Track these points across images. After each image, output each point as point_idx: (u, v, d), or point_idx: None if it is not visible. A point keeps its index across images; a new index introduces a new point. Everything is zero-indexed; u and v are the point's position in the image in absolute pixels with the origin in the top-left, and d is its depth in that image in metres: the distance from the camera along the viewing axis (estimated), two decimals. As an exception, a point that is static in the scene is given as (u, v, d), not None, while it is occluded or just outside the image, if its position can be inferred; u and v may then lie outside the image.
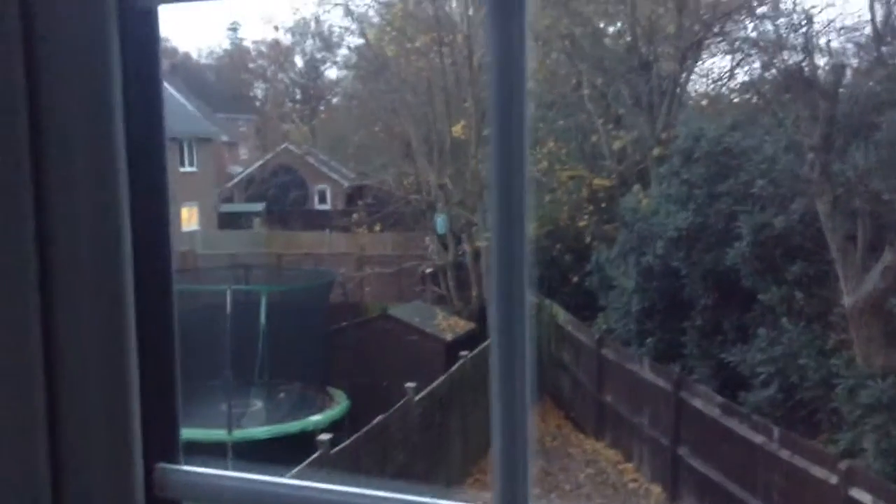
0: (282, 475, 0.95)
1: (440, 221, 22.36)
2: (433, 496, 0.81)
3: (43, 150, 0.88)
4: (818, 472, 9.19)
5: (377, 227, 26.45)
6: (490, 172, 0.74)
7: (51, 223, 0.88)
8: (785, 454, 9.74)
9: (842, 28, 12.69)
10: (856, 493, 8.59)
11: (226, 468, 0.92)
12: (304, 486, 0.83)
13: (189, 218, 31.21)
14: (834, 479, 8.90)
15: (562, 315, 17.04)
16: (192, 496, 0.90)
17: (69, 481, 0.87)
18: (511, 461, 0.76)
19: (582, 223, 19.30)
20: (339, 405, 15.04)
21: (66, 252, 0.88)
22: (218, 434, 12.61)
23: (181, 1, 0.88)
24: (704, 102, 20.57)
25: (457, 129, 20.36)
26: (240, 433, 13.18)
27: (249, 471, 0.87)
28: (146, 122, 0.92)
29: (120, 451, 0.88)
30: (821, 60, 12.16)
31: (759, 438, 10.24)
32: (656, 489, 12.83)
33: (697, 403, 11.74)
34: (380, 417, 10.99)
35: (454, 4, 22.17)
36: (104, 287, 0.89)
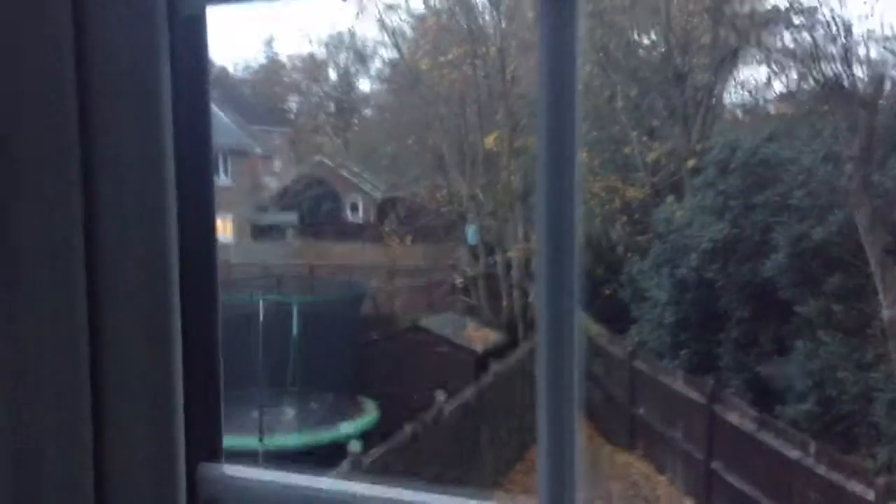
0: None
1: (471, 232, 22.36)
2: (468, 498, 0.81)
3: (93, 158, 0.90)
4: (855, 487, 9.01)
5: (408, 239, 26.51)
6: (538, 181, 0.74)
7: (100, 228, 0.90)
8: (821, 469, 9.56)
9: (881, 38, 12.49)
10: (896, 510, 8.40)
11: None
12: (342, 487, 0.84)
13: (223, 229, 31.58)
14: (871, 495, 8.71)
15: (594, 327, 16.91)
16: (232, 496, 0.91)
17: (114, 479, 0.89)
18: (558, 469, 0.76)
19: (615, 235, 19.17)
20: (370, 415, 15.07)
21: (113, 257, 0.90)
22: (250, 441, 12.70)
23: (228, 3, 0.90)
24: (740, 113, 20.36)
25: (489, 141, 20.37)
26: (271, 441, 13.26)
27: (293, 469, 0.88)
28: (194, 127, 0.93)
29: (163, 451, 0.89)
30: (860, 71, 11.99)
31: (794, 453, 10.05)
32: (688, 503, 12.65)
33: (732, 417, 11.57)
34: (410, 427, 10.99)
35: (487, 17, 22.23)
36: (150, 293, 0.90)
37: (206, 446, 0.91)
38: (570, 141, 0.72)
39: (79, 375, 0.89)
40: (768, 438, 10.62)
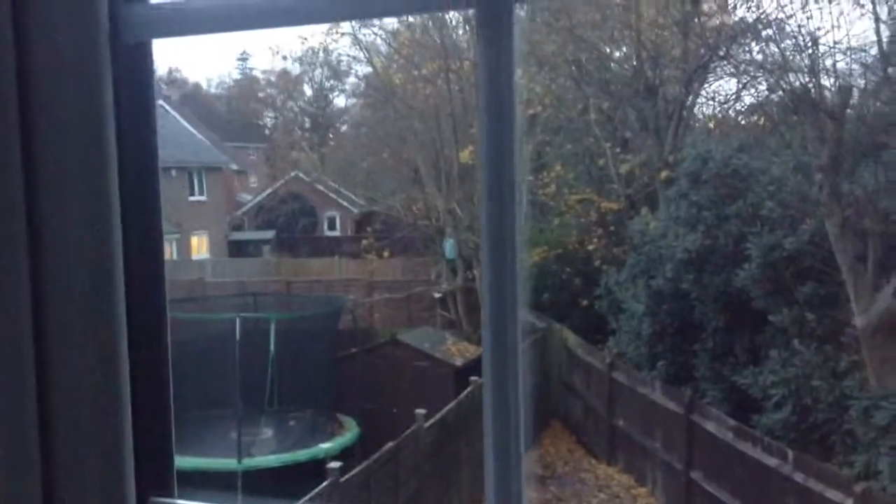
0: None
1: (449, 246, 22.38)
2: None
3: (36, 182, 0.89)
4: (833, 494, 9.07)
5: (386, 253, 26.49)
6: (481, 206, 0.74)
7: (44, 255, 0.88)
8: (799, 477, 9.63)
9: (848, 49, 12.70)
10: (872, 516, 8.47)
11: (235, 498, 0.91)
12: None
13: (199, 246, 31.34)
14: (849, 502, 8.78)
15: (572, 339, 16.96)
16: (185, 529, 0.90)
17: (62, 514, 0.87)
18: (504, 475, 0.76)
19: (591, 246, 19.27)
20: (349, 432, 14.97)
21: (59, 283, 0.88)
22: (228, 463, 12.56)
23: (170, 36, 0.89)
24: (711, 125, 20.59)
25: (464, 155, 20.43)
26: (250, 461, 13.12)
27: (253, 503, 0.87)
28: (140, 154, 0.92)
29: (113, 483, 0.88)
30: (827, 81, 12.17)
31: (772, 461, 10.12)
32: (670, 515, 12.68)
33: (710, 427, 11.63)
34: (390, 444, 10.93)
35: (461, 32, 22.35)
36: (97, 319, 0.89)
37: (157, 479, 0.90)
38: (509, 177, 0.72)
39: (25, 407, 0.87)
40: (746, 447, 10.69)
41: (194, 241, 30.81)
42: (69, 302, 0.88)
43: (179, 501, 0.88)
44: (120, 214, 0.89)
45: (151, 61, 0.90)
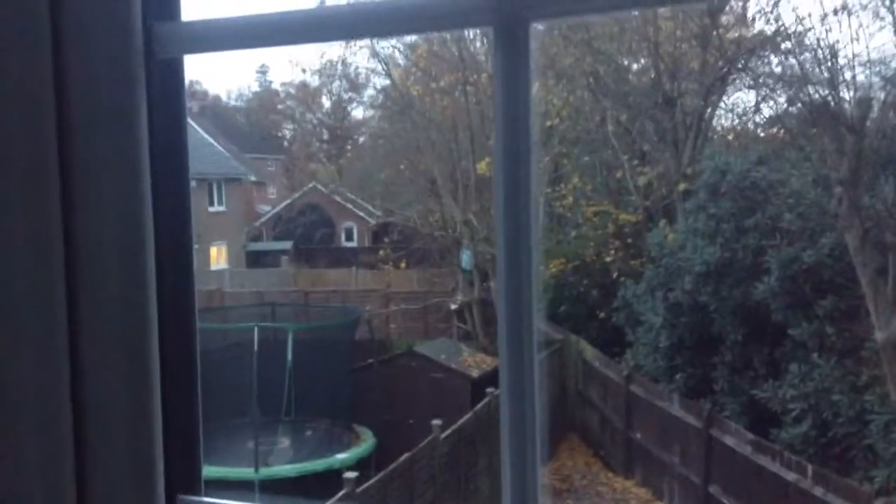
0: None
1: (466, 258, 22.39)
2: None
3: (73, 193, 0.93)
4: (854, 511, 8.98)
5: (403, 264, 26.55)
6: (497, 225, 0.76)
7: (79, 262, 0.92)
8: (819, 491, 9.54)
9: (867, 61, 12.65)
10: (894, 533, 8.37)
11: (258, 500, 0.94)
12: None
13: (217, 256, 31.55)
14: (870, 519, 8.68)
15: (589, 351, 16.91)
16: (212, 527, 0.93)
17: (94, 511, 0.90)
18: (520, 475, 0.78)
19: (608, 259, 19.22)
20: (365, 442, 14.98)
21: (93, 289, 0.92)
22: (245, 472, 12.61)
23: (203, 52, 0.93)
24: (730, 137, 20.52)
25: (481, 166, 20.48)
26: (267, 471, 13.17)
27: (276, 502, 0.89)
28: (171, 166, 0.96)
29: (143, 483, 0.91)
30: (847, 94, 12.12)
31: (791, 476, 10.03)
32: (688, 529, 12.58)
33: (728, 440, 11.55)
34: (406, 455, 10.93)
35: (478, 44, 22.45)
36: (130, 325, 0.92)
37: (185, 478, 0.93)
38: (525, 189, 0.74)
39: (60, 407, 0.91)
40: (765, 462, 10.60)
41: (213, 251, 31.03)
42: (103, 306, 0.91)
43: (206, 499, 0.91)
44: (152, 223, 0.92)
45: (183, 77, 0.94)
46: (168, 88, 0.93)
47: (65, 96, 0.90)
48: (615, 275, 18.47)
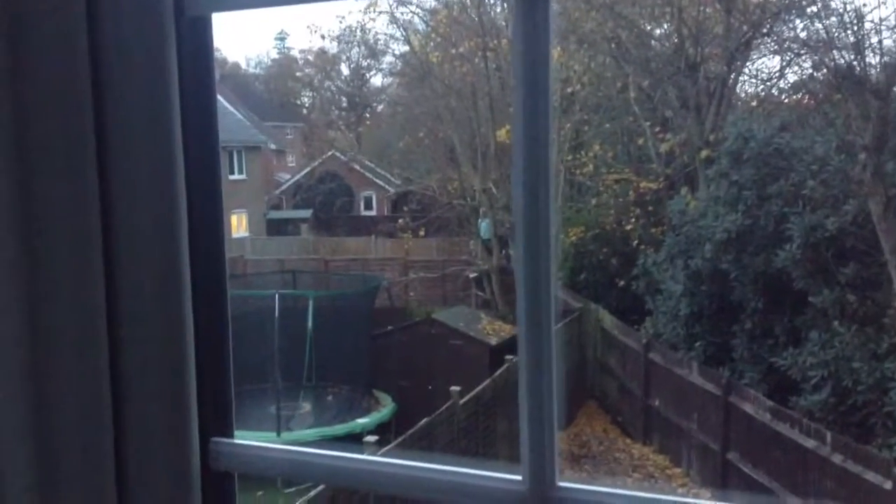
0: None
1: (484, 226, 22.39)
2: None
3: (107, 155, 0.95)
4: (872, 477, 8.99)
5: (422, 233, 26.58)
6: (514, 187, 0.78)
7: (116, 217, 0.95)
8: (838, 459, 9.55)
9: (894, 26, 12.39)
10: (912, 499, 8.39)
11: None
12: (348, 458, 0.89)
13: (238, 225, 31.76)
14: (888, 485, 8.69)
15: (608, 319, 16.92)
16: (243, 468, 0.97)
17: (131, 453, 0.95)
18: (538, 440, 0.80)
19: (629, 227, 19.14)
20: (385, 408, 15.17)
21: (128, 244, 0.95)
22: (267, 436, 12.82)
23: (232, 9, 0.95)
24: (754, 103, 20.23)
25: (501, 134, 20.37)
26: (289, 435, 13.38)
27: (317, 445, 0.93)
28: (201, 125, 0.99)
29: (177, 426, 0.95)
30: (873, 59, 11.91)
31: (810, 443, 10.04)
32: (706, 494, 12.66)
33: (747, 408, 11.56)
34: (425, 420, 11.06)
35: (498, 9, 22.22)
36: (164, 277, 0.96)
37: (217, 422, 0.97)
38: (543, 155, 0.76)
39: (98, 355, 0.94)
40: (784, 429, 10.61)
41: (234, 219, 31.24)
42: (139, 265, 0.94)
43: (238, 441, 0.95)
44: (184, 182, 0.95)
45: (211, 35, 0.96)
46: (198, 47, 0.95)
47: (99, 56, 0.92)
48: (635, 243, 18.41)
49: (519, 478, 0.84)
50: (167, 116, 0.94)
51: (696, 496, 12.81)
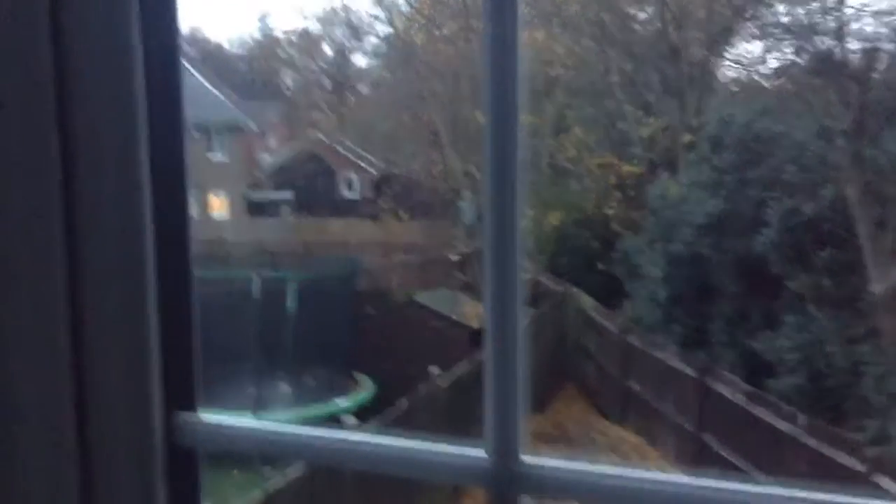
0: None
1: (466, 209, 22.39)
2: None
3: (69, 133, 0.95)
4: (845, 459, 9.13)
5: (404, 215, 26.54)
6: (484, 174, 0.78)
7: (77, 187, 0.95)
8: (812, 442, 9.69)
9: (876, 12, 12.46)
10: (883, 480, 8.53)
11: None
12: (311, 433, 0.90)
13: (218, 205, 31.55)
14: (861, 467, 8.84)
15: (588, 302, 17.02)
16: (208, 443, 0.97)
17: (93, 426, 0.95)
18: (503, 414, 0.82)
19: (610, 211, 19.22)
20: (365, 390, 15.20)
21: (90, 212, 0.95)
22: (244, 416, 12.82)
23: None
24: (735, 88, 20.33)
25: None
26: (266, 416, 13.39)
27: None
28: (167, 104, 0.98)
29: (140, 400, 0.95)
30: (854, 45, 11.99)
31: (785, 426, 10.19)
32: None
33: (723, 390, 11.70)
34: (405, 401, 11.10)
35: (482, -9, 22.10)
36: (127, 244, 0.95)
37: (182, 396, 0.97)
38: (511, 136, 0.76)
39: (57, 327, 0.94)
40: (759, 412, 10.75)
41: (213, 200, 31.02)
42: (101, 239, 0.94)
43: (203, 416, 0.96)
44: (149, 159, 0.95)
45: (176, 12, 0.96)
46: (163, 25, 0.94)
47: (59, 35, 0.92)
48: (616, 227, 18.50)
49: (482, 452, 0.85)
50: (131, 90, 0.93)
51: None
